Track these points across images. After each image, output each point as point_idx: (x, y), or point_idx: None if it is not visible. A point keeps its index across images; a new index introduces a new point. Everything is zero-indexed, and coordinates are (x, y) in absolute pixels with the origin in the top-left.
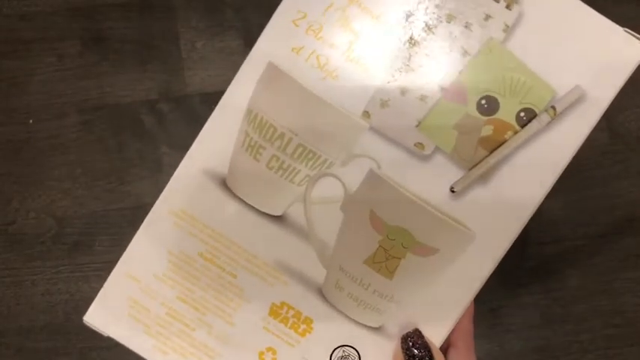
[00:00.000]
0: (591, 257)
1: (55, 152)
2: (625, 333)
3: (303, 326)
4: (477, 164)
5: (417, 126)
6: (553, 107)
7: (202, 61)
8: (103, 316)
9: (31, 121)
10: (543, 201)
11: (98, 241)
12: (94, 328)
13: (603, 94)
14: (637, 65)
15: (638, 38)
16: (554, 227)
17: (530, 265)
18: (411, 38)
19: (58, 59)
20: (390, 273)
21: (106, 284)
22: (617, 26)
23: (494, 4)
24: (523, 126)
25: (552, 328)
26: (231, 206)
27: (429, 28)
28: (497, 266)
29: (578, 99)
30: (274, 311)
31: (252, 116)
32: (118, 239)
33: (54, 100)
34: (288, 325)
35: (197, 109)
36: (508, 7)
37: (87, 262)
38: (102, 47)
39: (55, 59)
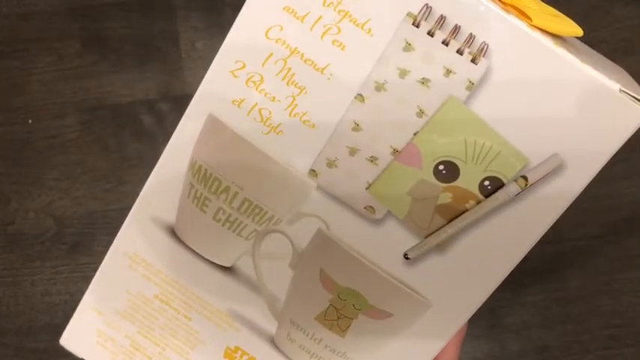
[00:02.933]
0: (591, 257)
1: (55, 152)
2: (625, 333)
3: None
4: (433, 233)
5: (367, 188)
6: (524, 177)
7: (202, 61)
8: (75, 342)
9: (30, 121)
10: None
11: (97, 242)
12: (69, 350)
13: (587, 165)
14: (633, 133)
15: (635, 101)
16: (554, 227)
17: (530, 265)
18: (359, 94)
19: (58, 59)
20: (342, 331)
21: (75, 314)
22: (613, 84)
23: (457, 56)
24: (488, 196)
25: (552, 328)
26: (182, 254)
27: (379, 84)
28: None
29: (555, 169)
30: (229, 354)
31: (195, 168)
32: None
33: (53, 100)
34: None
35: None
36: (473, 60)
37: (86, 263)
38: (101, 47)
39: (55, 59)
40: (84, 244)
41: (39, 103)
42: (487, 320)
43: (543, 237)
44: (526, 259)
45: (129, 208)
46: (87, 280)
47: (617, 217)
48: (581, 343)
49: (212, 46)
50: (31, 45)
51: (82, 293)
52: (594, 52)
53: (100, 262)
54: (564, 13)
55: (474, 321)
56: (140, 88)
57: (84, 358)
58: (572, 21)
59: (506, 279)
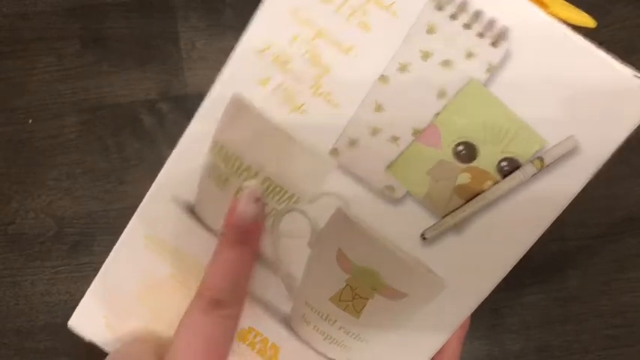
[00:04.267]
0: (591, 257)
1: (55, 152)
2: (625, 333)
3: (270, 352)
4: (450, 212)
5: (387, 168)
6: (540, 158)
7: (202, 61)
8: (84, 324)
9: (30, 121)
10: None
11: (98, 242)
12: (77, 333)
13: (601, 147)
14: None
15: None
16: (555, 227)
17: (530, 265)
18: (382, 76)
19: (58, 59)
20: (357, 312)
21: (85, 295)
22: (627, 69)
23: (478, 40)
24: (505, 176)
25: (552, 328)
26: (200, 233)
27: (402, 66)
28: None
29: (570, 151)
30: (242, 335)
31: (217, 148)
32: (118, 239)
33: (53, 100)
34: (256, 350)
35: (197, 109)
36: (494, 44)
37: (86, 262)
38: (101, 47)
39: (55, 59)
40: (84, 244)
41: (39, 103)
42: (487, 320)
43: (543, 237)
44: (527, 259)
45: (129, 208)
46: (87, 280)
47: (617, 217)
48: (581, 343)
49: (212, 46)
50: (31, 45)
51: (83, 293)
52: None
53: (101, 262)
54: None
55: (475, 321)
56: (140, 88)
57: (93, 340)
58: (584, 13)
59: (506, 279)
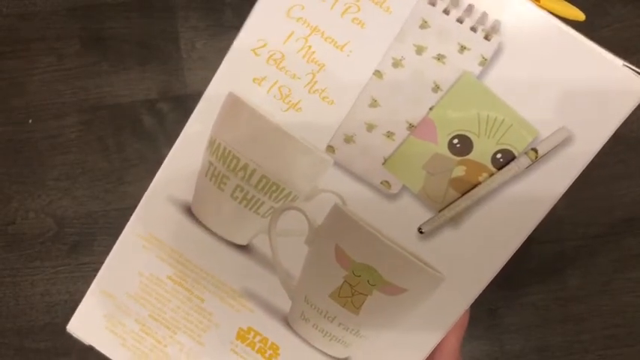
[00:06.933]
0: (591, 257)
1: (55, 152)
2: (625, 333)
3: (269, 352)
4: (447, 206)
5: (383, 164)
6: (534, 149)
7: (202, 61)
8: (83, 327)
9: (30, 121)
10: None
11: (98, 242)
12: (76, 337)
13: (593, 137)
14: (636, 106)
15: (638, 74)
16: (554, 227)
17: (530, 265)
18: (377, 71)
19: (58, 59)
20: (356, 308)
21: (84, 298)
22: (617, 59)
23: (471, 34)
24: (500, 168)
25: (552, 328)
26: (197, 233)
27: (396, 61)
28: None
29: (563, 142)
30: (241, 335)
31: (215, 146)
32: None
33: (53, 100)
34: (255, 349)
35: None
36: (486, 37)
37: (86, 262)
38: (101, 47)
39: (55, 59)
40: (84, 244)
41: (39, 103)
42: (487, 320)
43: (543, 237)
44: (526, 259)
45: (129, 208)
46: (87, 280)
47: (617, 217)
48: (581, 343)
49: (212, 46)
50: (31, 45)
51: (83, 293)
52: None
53: (101, 262)
54: None
55: (474, 321)
56: (140, 88)
57: (92, 344)
58: (574, 6)
59: (506, 279)
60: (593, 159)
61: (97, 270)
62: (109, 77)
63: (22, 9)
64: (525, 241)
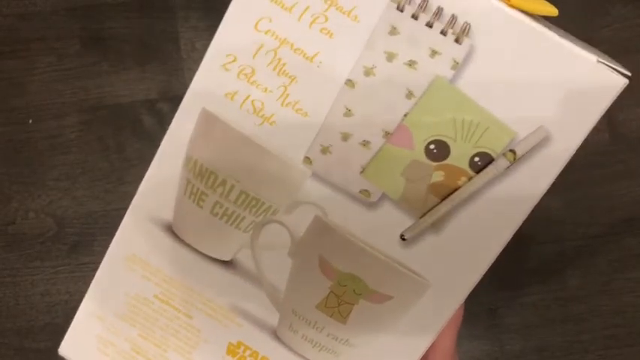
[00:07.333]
0: (591, 257)
1: (55, 152)
2: (625, 333)
3: None
4: (427, 212)
5: (361, 172)
6: (512, 151)
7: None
8: (75, 349)
9: (30, 121)
10: (543, 200)
11: (98, 242)
12: (68, 359)
13: (572, 134)
14: (611, 102)
15: (613, 70)
16: (554, 227)
17: (530, 265)
18: (349, 80)
19: (58, 59)
20: (343, 318)
21: (73, 321)
22: (591, 56)
23: (441, 37)
24: (479, 172)
25: (552, 328)
26: (180, 251)
27: (368, 69)
28: (497, 267)
29: (541, 141)
30: (231, 350)
31: (191, 164)
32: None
33: (53, 100)
34: None
35: None
36: (457, 40)
37: (86, 262)
38: (101, 47)
39: (55, 59)
40: (84, 244)
41: (39, 103)
42: (487, 320)
43: (543, 237)
44: (526, 259)
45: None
46: (87, 280)
47: (617, 217)
48: (581, 343)
49: None
50: (31, 45)
51: (82, 293)
52: (568, 34)
53: (100, 262)
54: (564, 13)
55: (474, 321)
56: (140, 88)
57: None
58: (547, 2)
59: (506, 278)
60: (593, 159)
61: (96, 270)
62: (109, 77)
63: (22, 9)
64: (525, 241)
